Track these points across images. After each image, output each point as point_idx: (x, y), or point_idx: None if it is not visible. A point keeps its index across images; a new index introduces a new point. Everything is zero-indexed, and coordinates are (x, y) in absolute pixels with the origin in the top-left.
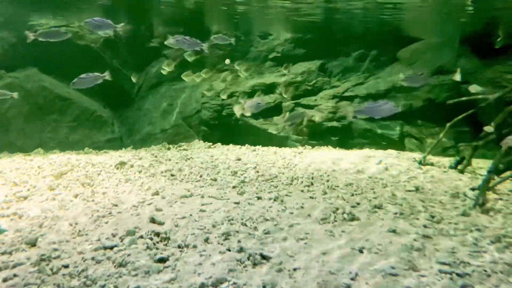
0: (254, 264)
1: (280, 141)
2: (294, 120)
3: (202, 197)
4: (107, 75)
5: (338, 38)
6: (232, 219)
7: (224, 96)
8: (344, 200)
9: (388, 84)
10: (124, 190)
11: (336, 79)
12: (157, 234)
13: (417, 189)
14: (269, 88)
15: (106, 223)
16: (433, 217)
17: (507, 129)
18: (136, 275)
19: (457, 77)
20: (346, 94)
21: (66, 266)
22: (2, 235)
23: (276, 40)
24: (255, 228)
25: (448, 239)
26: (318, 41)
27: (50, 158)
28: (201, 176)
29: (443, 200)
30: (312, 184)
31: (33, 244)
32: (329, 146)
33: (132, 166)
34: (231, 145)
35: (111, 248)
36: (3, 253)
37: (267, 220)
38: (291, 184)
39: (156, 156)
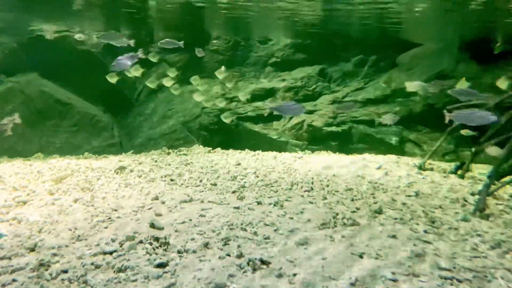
0: (254, 269)
1: (280, 146)
2: (345, 110)
3: (202, 202)
4: (140, 54)
5: (337, 43)
6: (232, 224)
7: (221, 104)
8: (344, 205)
9: (387, 90)
10: (123, 195)
11: (336, 84)
12: (157, 239)
13: (417, 194)
14: (269, 93)
15: (106, 228)
16: (433, 222)
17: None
18: (135, 280)
19: (464, 84)
20: (346, 99)
21: (65, 271)
22: (1, 240)
23: (276, 45)
24: (255, 233)
25: (448, 244)
26: (318, 47)
27: (50, 163)
28: (201, 181)
29: (443, 205)
30: (312, 189)
31: (32, 249)
32: (329, 151)
33: (132, 171)
34: (231, 150)
35: (111, 253)
36: (2, 258)
37: (267, 225)
38: (291, 189)
39: (156, 161)
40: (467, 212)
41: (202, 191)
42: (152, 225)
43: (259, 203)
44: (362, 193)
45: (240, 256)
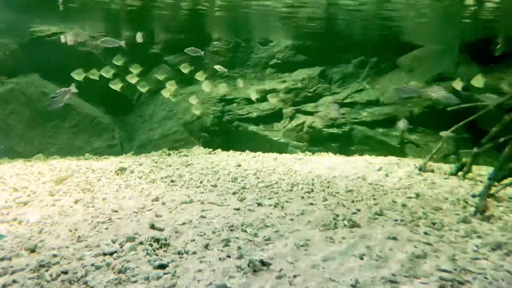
0: (254, 271)
1: (280, 148)
2: (404, 94)
3: (202, 203)
4: (73, 88)
5: (338, 45)
6: (232, 226)
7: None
8: (345, 206)
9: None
10: (124, 196)
11: (336, 85)
12: (157, 241)
13: (417, 195)
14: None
15: (106, 229)
16: (433, 224)
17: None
18: (135, 281)
19: (458, 85)
20: (347, 100)
21: (65, 272)
22: (1, 241)
23: (277, 46)
24: (255, 235)
25: (449, 246)
26: (319, 48)
27: (51, 164)
28: (201, 182)
29: (444, 206)
30: (312, 190)
31: (32, 250)
32: (329, 152)
33: (132, 172)
34: (231, 151)
35: (111, 254)
36: (2, 259)
37: (267, 226)
38: (291, 190)
39: (156, 162)
40: (467, 214)
41: (203, 192)
42: (153, 226)
43: (259, 204)
44: (362, 195)
45: (240, 257)
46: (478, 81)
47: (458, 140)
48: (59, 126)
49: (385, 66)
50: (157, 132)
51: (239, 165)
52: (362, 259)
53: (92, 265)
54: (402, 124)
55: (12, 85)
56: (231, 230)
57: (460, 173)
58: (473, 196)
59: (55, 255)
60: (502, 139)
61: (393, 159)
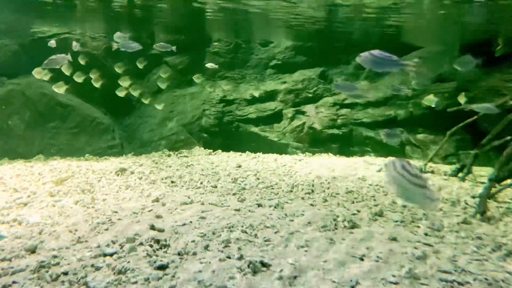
0: (255, 272)
1: (280, 148)
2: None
3: (203, 204)
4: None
5: (338, 46)
6: (233, 227)
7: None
8: (345, 207)
9: (387, 92)
10: (124, 197)
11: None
12: (157, 241)
13: None
14: (270, 95)
15: (106, 230)
16: (434, 224)
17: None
18: (135, 282)
19: (462, 99)
20: (347, 101)
21: (66, 273)
22: (1, 242)
23: (277, 47)
24: (256, 236)
25: (449, 247)
26: (319, 49)
27: (51, 165)
28: (201, 183)
29: (444, 208)
30: (312, 191)
31: (32, 250)
32: (329, 153)
33: (132, 172)
34: (231, 152)
35: (111, 255)
36: (2, 260)
37: (267, 227)
38: (291, 191)
39: (156, 163)
40: (467, 215)
41: (203, 193)
42: (153, 227)
43: (259, 205)
44: (362, 196)
45: (240, 258)
46: (429, 101)
47: (458, 141)
48: (59, 127)
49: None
50: (157, 133)
51: (239, 166)
52: (362, 260)
53: (92, 266)
54: (384, 135)
55: (13, 86)
56: (231, 231)
57: (460, 174)
58: (473, 197)
59: (55, 256)
60: (502, 140)
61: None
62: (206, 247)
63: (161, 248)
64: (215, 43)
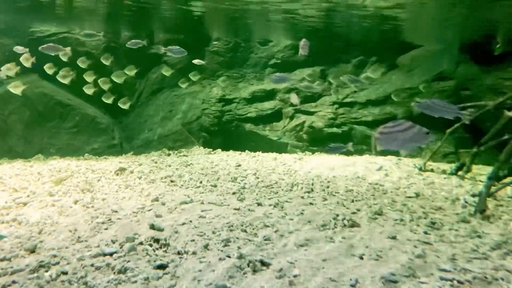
0: (254, 271)
1: (280, 147)
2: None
3: (202, 203)
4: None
5: (338, 45)
6: (232, 226)
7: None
8: (344, 206)
9: (387, 91)
10: (124, 196)
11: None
12: (157, 241)
13: (417, 195)
14: (269, 95)
15: (106, 229)
16: (433, 223)
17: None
18: (135, 282)
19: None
20: (346, 100)
21: (65, 273)
22: (1, 242)
23: (276, 46)
24: (255, 235)
25: (449, 245)
26: (318, 48)
27: (50, 164)
28: (201, 182)
29: (444, 206)
30: (312, 190)
31: (32, 250)
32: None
33: (132, 172)
34: (231, 151)
35: (111, 254)
36: (2, 260)
37: (267, 226)
38: (291, 190)
39: (156, 162)
40: (467, 213)
41: (203, 193)
42: (152, 227)
43: (259, 204)
44: (362, 194)
45: (240, 257)
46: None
47: (457, 139)
48: (59, 127)
49: (384, 65)
50: (156, 132)
51: (239, 165)
52: (362, 258)
53: (92, 265)
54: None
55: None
56: (231, 230)
57: (459, 173)
58: (473, 195)
59: (54, 256)
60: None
61: (393, 158)
62: (206, 246)
63: (160, 247)
64: (214, 42)
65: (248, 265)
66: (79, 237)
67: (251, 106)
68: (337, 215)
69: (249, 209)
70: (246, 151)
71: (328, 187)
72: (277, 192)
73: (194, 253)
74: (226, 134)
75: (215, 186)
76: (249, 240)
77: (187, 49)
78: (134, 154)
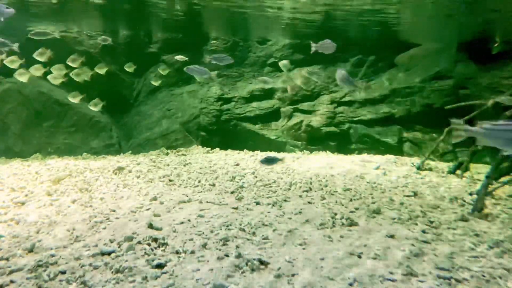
0: (252, 270)
1: (278, 146)
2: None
3: (201, 202)
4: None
5: (336, 43)
6: (230, 225)
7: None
8: (343, 205)
9: (385, 90)
10: (122, 196)
11: (334, 84)
12: (155, 240)
13: (415, 194)
14: (268, 93)
15: (104, 228)
16: (431, 222)
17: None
18: (133, 281)
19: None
20: (344, 99)
21: (63, 272)
22: None
23: (275, 45)
24: (254, 234)
25: (447, 244)
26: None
27: (48, 164)
28: (199, 182)
29: (442, 205)
30: (310, 189)
31: (30, 250)
32: (327, 151)
33: (130, 171)
34: (229, 150)
35: (109, 254)
36: (0, 259)
37: (265, 225)
38: (289, 189)
39: (154, 162)
40: (465, 212)
41: (201, 192)
42: (151, 226)
43: (257, 203)
44: (360, 193)
45: (238, 256)
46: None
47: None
48: (57, 126)
49: (383, 64)
50: (155, 131)
51: (237, 164)
52: (360, 257)
53: (90, 264)
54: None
55: (9, 85)
56: (229, 229)
57: (458, 172)
58: (471, 194)
59: (53, 255)
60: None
61: (391, 157)
62: (204, 246)
63: (159, 246)
64: (212, 41)
65: (247, 264)
66: (77, 237)
67: (249, 105)
68: (335, 214)
69: (247, 208)
70: (245, 150)
71: (326, 186)
72: (276, 191)
73: (192, 252)
74: (225, 133)
75: (214, 185)
76: (248, 239)
77: (187, 48)
78: (133, 153)
